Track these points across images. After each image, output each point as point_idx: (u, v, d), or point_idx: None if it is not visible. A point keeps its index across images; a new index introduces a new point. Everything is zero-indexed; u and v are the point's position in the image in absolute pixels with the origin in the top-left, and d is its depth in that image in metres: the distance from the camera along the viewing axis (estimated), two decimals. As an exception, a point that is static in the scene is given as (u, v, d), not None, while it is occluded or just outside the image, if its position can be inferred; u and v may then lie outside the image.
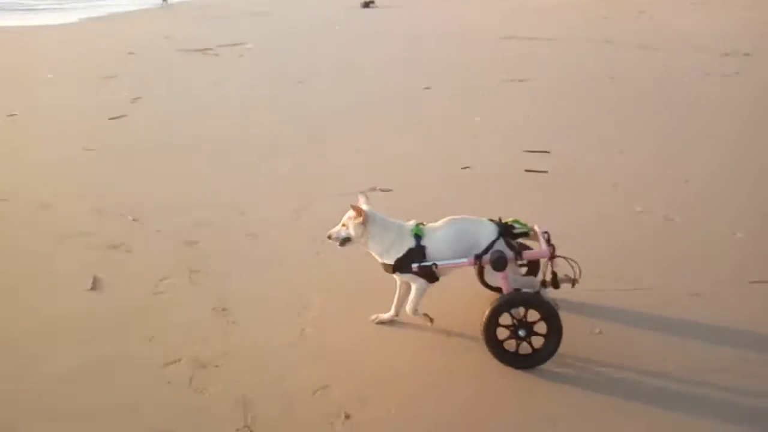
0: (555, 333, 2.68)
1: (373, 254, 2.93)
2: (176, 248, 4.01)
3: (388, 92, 8.84)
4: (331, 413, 2.52)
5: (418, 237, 2.86)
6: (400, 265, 2.84)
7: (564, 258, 2.86)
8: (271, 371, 2.79)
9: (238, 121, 7.34)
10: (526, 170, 5.34)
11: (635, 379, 2.72)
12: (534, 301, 2.73)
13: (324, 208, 4.46)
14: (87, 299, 3.42)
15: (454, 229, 2.88)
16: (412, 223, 2.94)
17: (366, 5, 27.36)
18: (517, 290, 2.87)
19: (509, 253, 2.80)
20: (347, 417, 2.50)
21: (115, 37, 16.35)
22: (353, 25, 18.40)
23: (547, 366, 2.74)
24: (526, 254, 2.92)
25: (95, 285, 3.54)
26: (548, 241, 2.91)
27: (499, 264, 2.74)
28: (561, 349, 2.71)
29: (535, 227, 3.00)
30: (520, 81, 9.29)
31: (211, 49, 13.34)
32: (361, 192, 3.14)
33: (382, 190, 4.98)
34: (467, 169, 5.42)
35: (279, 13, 22.35)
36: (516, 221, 2.98)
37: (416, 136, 6.62)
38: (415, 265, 2.81)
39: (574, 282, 2.86)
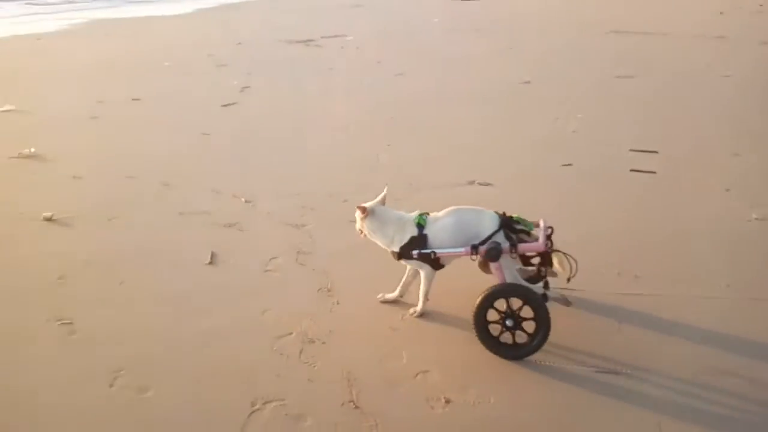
0: (543, 326, 2.74)
1: (381, 245, 3.13)
2: (284, 230, 4.25)
3: (486, 85, 8.79)
4: (431, 396, 2.62)
5: (420, 226, 3.01)
6: (404, 253, 3.02)
7: (563, 254, 2.98)
8: (374, 352, 2.93)
9: (340, 110, 7.58)
10: (632, 170, 5.19)
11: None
12: (522, 292, 2.78)
13: (423, 199, 4.55)
14: (206, 272, 3.71)
15: (455, 220, 2.99)
16: (415, 213, 3.09)
17: (465, -5, 27.07)
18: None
19: (505, 245, 2.86)
20: (447, 402, 2.59)
21: (224, 28, 17.21)
22: (452, 17, 18.34)
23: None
24: (521, 247, 2.92)
25: (213, 260, 3.83)
26: (548, 237, 2.97)
27: (492, 254, 2.83)
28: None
29: (540, 222, 3.03)
30: (627, 77, 8.96)
31: (313, 40, 13.76)
32: (387, 185, 3.35)
33: (481, 184, 5.01)
34: (568, 167, 5.34)
35: (378, 7, 22.64)
36: (519, 218, 3.03)
37: (514, 130, 6.59)
38: (415, 252, 2.97)
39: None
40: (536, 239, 2.96)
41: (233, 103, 7.96)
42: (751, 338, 3.00)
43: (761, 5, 16.26)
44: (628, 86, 8.50)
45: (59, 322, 3.17)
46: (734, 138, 5.98)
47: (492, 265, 2.91)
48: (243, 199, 4.77)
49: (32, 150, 5.84)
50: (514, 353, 2.83)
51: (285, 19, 18.98)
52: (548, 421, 2.53)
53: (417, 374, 2.76)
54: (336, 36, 14.26)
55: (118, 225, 4.36)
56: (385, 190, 3.27)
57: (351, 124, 6.99)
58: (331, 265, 3.73)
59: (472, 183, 5.04)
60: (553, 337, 2.80)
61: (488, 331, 2.84)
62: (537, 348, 2.78)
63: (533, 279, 3.06)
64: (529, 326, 2.79)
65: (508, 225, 2.95)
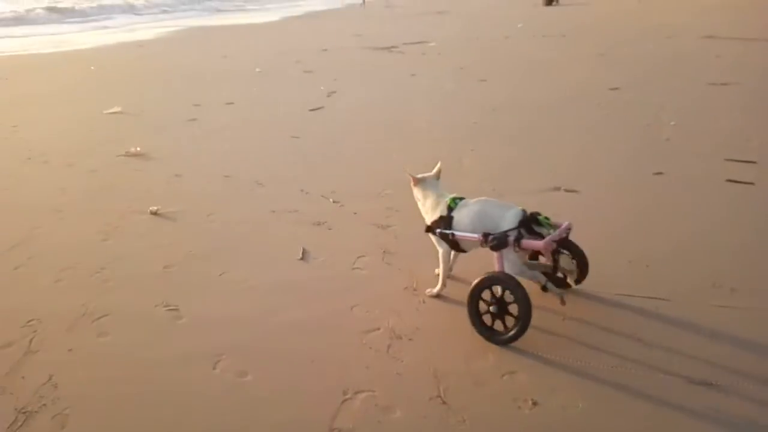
0: (522, 315, 2.89)
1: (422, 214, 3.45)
2: (371, 230, 4.38)
3: (574, 92, 8.65)
4: (518, 397, 2.65)
5: (450, 208, 3.25)
6: (431, 228, 3.31)
7: (567, 254, 3.21)
8: (460, 351, 2.98)
9: (424, 116, 7.68)
10: (728, 180, 4.98)
11: None
12: (508, 282, 2.92)
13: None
14: (298, 267, 3.89)
15: (480, 209, 3.17)
16: (451, 195, 3.34)
17: (549, 3, 26.70)
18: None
19: (511, 238, 2.98)
20: (534, 403, 2.61)
21: (310, 35, 17.78)
22: (536, 22, 18.09)
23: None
24: (524, 243, 3.00)
25: (304, 256, 4.01)
26: (560, 238, 3.07)
27: (496, 244, 3.00)
28: None
29: (566, 224, 3.13)
30: (722, 84, 8.56)
31: (396, 47, 13.99)
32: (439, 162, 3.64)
33: (567, 191, 4.96)
34: (660, 175, 5.18)
35: (462, 13, 22.64)
36: (545, 220, 3.11)
37: (602, 136, 6.46)
38: (438, 230, 3.23)
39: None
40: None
41: (320, 108, 8.24)
42: None
43: None
44: (724, 93, 8.12)
45: (166, 308, 3.43)
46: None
47: (495, 255, 3.06)
48: (331, 200, 4.95)
49: (138, 149, 6.30)
50: (498, 338, 2.98)
51: (368, 27, 19.36)
52: (637, 431, 2.50)
53: (504, 375, 2.79)
54: (419, 42, 14.43)
55: (217, 220, 4.64)
56: (438, 164, 3.59)
57: (434, 128, 7.08)
58: (417, 265, 3.81)
59: (557, 189, 4.99)
60: (644, 346, 2.75)
61: (480, 316, 3.02)
62: (516, 337, 2.93)
63: (550, 274, 3.18)
64: (514, 311, 2.94)
65: (528, 224, 3.05)
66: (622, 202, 4.70)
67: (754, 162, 5.32)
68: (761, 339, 2.98)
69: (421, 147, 6.36)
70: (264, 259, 4.03)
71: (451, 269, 3.48)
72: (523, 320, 2.89)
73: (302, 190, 5.18)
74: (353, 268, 3.85)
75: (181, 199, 5.04)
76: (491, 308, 2.98)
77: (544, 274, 3.16)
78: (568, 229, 3.15)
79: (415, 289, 3.55)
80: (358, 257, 3.97)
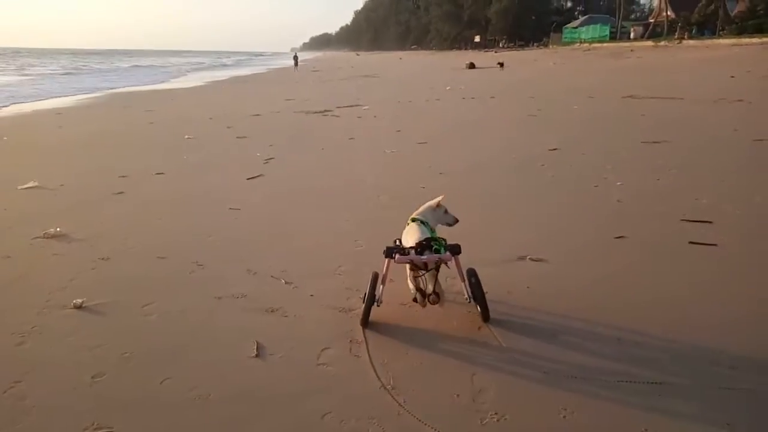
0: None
1: None
2: (332, 315, 3.92)
3: (515, 153, 8.66)
4: None
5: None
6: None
7: (430, 278, 3.52)
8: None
9: (369, 181, 7.40)
10: (690, 242, 4.91)
11: None
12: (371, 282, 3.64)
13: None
14: (253, 367, 3.36)
15: (405, 231, 3.95)
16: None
17: (472, 66, 27.79)
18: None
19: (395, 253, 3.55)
20: None
21: (240, 100, 17.45)
22: (463, 85, 18.60)
23: None
24: (397, 257, 3.51)
25: (259, 352, 3.49)
26: (420, 262, 3.52)
27: (385, 253, 3.59)
28: None
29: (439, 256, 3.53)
30: (653, 142, 8.84)
31: (330, 110, 13.89)
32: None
33: (533, 260, 4.72)
34: (622, 239, 5.06)
35: (388, 77, 23.05)
36: (439, 245, 3.58)
37: (557, 200, 6.35)
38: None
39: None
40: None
41: (259, 176, 7.82)
42: None
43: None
44: (657, 151, 8.35)
45: (97, 432, 2.82)
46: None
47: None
48: (283, 281, 4.47)
49: (58, 230, 5.61)
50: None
51: (298, 91, 19.29)
52: None
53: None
54: (352, 105, 14.39)
55: (153, 312, 4.04)
56: (441, 196, 4.16)
57: (381, 194, 6.79)
58: (391, 356, 3.39)
59: (523, 258, 4.75)
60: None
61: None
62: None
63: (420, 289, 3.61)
64: None
65: (423, 246, 3.52)
66: (593, 269, 4.50)
67: (711, 222, 5.31)
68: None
69: (371, 216, 6.03)
70: (213, 360, 3.47)
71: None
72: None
73: (249, 271, 4.68)
74: (318, 365, 3.37)
75: (111, 288, 4.41)
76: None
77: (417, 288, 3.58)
78: (439, 260, 3.53)
79: (392, 388, 3.11)
80: (322, 350, 3.50)
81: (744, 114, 11.20)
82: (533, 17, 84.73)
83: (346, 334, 3.68)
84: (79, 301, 4.10)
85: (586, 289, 4.20)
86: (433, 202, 4.16)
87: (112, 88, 22.37)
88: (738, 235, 5.04)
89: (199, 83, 23.63)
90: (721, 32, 46.13)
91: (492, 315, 3.73)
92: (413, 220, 3.95)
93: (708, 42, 41.21)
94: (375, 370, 3.26)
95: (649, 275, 4.39)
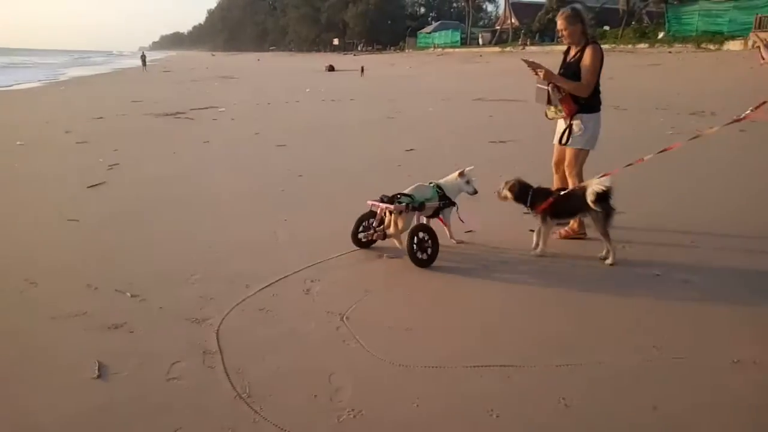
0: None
1: None
2: (183, 327, 3.71)
3: (373, 153, 8.83)
4: None
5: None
6: None
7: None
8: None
9: (226, 186, 7.16)
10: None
11: None
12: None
13: (333, 274, 4.30)
14: (94, 390, 3.08)
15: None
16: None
17: (331, 69, 27.96)
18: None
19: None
20: None
21: (81, 102, 16.12)
22: (323, 88, 18.65)
23: None
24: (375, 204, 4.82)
25: (101, 372, 3.22)
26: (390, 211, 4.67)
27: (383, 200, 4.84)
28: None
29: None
30: (500, 142, 9.43)
31: (183, 113, 13.25)
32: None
33: (391, 258, 4.83)
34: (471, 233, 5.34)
35: (247, 78, 22.51)
36: (412, 198, 4.72)
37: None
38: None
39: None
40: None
41: (101, 183, 7.25)
42: None
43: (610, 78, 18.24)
44: (504, 150, 8.93)
45: None
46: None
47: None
48: (128, 294, 4.16)
49: None
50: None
51: (149, 92, 18.18)
52: None
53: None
54: (208, 108, 13.85)
55: (-27, 339, 3.58)
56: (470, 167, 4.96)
57: (239, 199, 6.60)
58: (247, 363, 3.28)
59: (381, 257, 4.83)
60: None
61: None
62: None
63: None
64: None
65: (391, 197, 4.72)
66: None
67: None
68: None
69: (227, 221, 5.82)
70: (48, 384, 3.13)
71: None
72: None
73: (89, 286, 4.30)
74: (168, 380, 3.16)
75: None
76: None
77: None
78: (385, 208, 4.72)
79: (249, 396, 3.00)
80: (172, 364, 3.29)
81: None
82: (389, 22, 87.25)
83: (200, 345, 3.50)
84: None
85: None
86: (453, 175, 4.93)
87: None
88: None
89: (34, 84, 21.49)
90: (558, 39, 50.63)
91: (350, 314, 3.77)
92: (431, 183, 4.88)
93: (548, 48, 45.03)
94: (230, 379, 3.13)
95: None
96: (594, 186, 4.40)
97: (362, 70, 26.16)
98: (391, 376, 3.13)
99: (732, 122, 4.00)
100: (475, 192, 4.96)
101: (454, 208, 4.95)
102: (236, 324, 3.74)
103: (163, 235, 5.44)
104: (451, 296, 4.14)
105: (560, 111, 4.96)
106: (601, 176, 4.44)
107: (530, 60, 4.95)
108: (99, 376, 3.18)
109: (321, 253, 4.83)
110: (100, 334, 3.65)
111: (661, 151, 4.56)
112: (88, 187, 7.08)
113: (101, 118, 12.73)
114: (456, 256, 4.75)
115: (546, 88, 4.86)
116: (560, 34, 4.97)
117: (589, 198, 4.39)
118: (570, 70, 4.93)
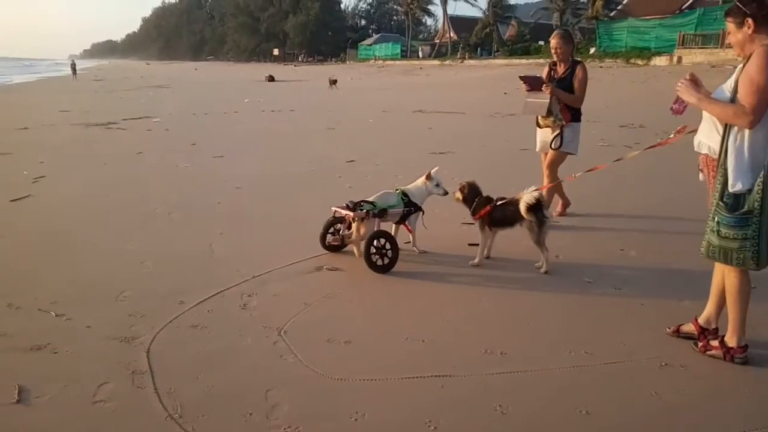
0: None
1: None
2: (111, 346, 3.55)
3: (313, 165, 8.78)
4: None
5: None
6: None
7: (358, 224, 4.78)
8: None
9: (159, 198, 6.93)
10: (470, 244, 5.35)
11: None
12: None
13: (274, 288, 4.24)
14: (15, 414, 2.91)
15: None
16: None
17: (271, 79, 27.70)
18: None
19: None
20: None
21: (1, 111, 15.32)
22: (263, 98, 18.44)
23: None
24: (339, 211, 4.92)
25: (21, 396, 3.03)
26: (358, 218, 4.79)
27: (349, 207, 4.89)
28: None
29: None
30: (440, 153, 9.56)
31: (115, 123, 12.81)
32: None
33: (330, 269, 4.79)
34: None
35: (182, 87, 22.00)
36: (374, 205, 4.83)
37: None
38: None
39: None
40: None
41: (26, 197, 6.89)
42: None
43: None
44: (443, 161, 9.04)
45: None
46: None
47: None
48: (53, 313, 3.96)
49: None
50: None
51: (78, 102, 17.48)
52: None
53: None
54: (141, 117, 13.44)
55: None
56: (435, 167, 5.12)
57: (173, 211, 6.40)
58: (179, 383, 3.17)
59: (320, 269, 4.79)
60: None
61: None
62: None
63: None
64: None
65: (355, 204, 4.79)
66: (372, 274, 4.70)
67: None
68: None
69: (160, 235, 5.64)
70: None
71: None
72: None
73: (10, 305, 4.06)
74: (95, 402, 3.02)
75: None
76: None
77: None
78: (350, 215, 4.83)
79: (181, 416, 2.90)
80: (99, 386, 3.14)
81: (513, 127, 12.67)
82: (330, 33, 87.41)
83: (129, 365, 3.35)
84: None
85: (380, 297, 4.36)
86: (420, 180, 5.09)
87: None
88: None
89: (-50, 92, 20.29)
90: (496, 53, 52.07)
91: (288, 328, 3.73)
92: (397, 189, 5.01)
93: (485, 62, 46.25)
94: (161, 400, 3.01)
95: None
96: (525, 197, 4.55)
97: (332, 82, 23.36)
98: (328, 391, 3.09)
99: (653, 146, 4.23)
100: (446, 193, 5.06)
101: (421, 215, 5.04)
102: (168, 342, 3.61)
103: (91, 251, 5.22)
104: (391, 307, 4.15)
105: (560, 119, 5.65)
106: (533, 189, 4.60)
107: (529, 75, 5.74)
108: (19, 401, 3.01)
109: (258, 266, 4.74)
110: (21, 355, 3.46)
111: (588, 171, 4.77)
112: (11, 201, 6.71)
113: (26, 128, 12.13)
114: (397, 266, 4.75)
115: (540, 101, 5.60)
116: (554, 51, 5.78)
117: (522, 208, 4.54)
118: (564, 84, 5.69)
